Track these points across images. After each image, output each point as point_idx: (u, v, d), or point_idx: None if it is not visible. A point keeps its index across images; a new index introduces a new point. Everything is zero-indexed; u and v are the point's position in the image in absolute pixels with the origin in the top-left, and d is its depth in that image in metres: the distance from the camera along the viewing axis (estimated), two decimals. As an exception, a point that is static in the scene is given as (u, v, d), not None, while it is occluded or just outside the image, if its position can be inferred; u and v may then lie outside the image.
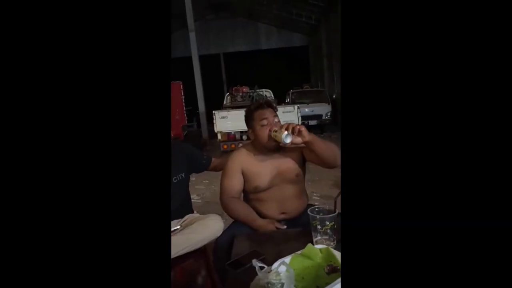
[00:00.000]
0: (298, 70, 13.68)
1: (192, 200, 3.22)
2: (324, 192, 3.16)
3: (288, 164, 1.19)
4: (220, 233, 1.14)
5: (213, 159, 1.45)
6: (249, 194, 1.22)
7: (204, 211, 2.81)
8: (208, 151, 6.22)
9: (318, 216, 0.87)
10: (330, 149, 1.08)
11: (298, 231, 1.03)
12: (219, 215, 1.21)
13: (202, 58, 8.18)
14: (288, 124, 1.02)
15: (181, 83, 7.06)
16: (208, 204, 3.00)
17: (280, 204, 1.19)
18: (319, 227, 0.87)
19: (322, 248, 0.81)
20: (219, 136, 4.71)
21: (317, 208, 0.91)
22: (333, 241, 0.87)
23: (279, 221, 1.19)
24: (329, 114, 7.41)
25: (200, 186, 3.59)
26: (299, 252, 0.81)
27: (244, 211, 1.16)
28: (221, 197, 1.21)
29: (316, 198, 3.01)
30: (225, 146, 4.72)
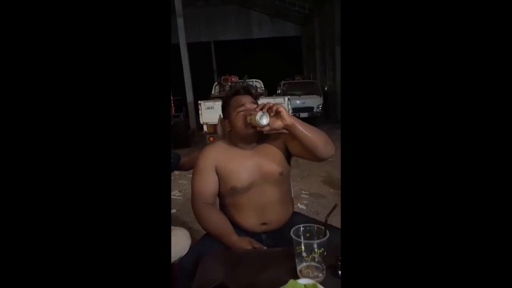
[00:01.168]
0: (290, 61, 13.44)
1: (174, 197, 3.04)
2: (313, 189, 2.99)
3: (270, 160, 1.00)
4: (186, 252, 0.93)
5: (182, 157, 1.24)
6: (225, 197, 1.01)
7: (184, 210, 2.63)
8: (196, 143, 5.99)
9: (303, 241, 0.67)
10: (317, 135, 0.88)
11: (279, 251, 0.84)
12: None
13: (192, 46, 7.86)
14: (264, 104, 0.85)
15: (168, 71, 6.70)
16: (189, 202, 2.79)
17: (260, 212, 0.99)
18: (304, 254, 0.68)
19: (307, 284, 0.62)
20: (205, 128, 4.47)
21: (303, 227, 0.72)
22: (322, 271, 0.68)
23: (259, 233, 1.00)
24: (320, 106, 7.25)
25: (183, 181, 3.37)
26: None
27: (218, 222, 0.96)
28: (192, 202, 1.00)
29: (305, 196, 2.83)
30: (211, 139, 4.49)
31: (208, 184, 0.99)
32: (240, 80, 5.45)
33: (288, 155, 1.03)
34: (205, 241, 0.97)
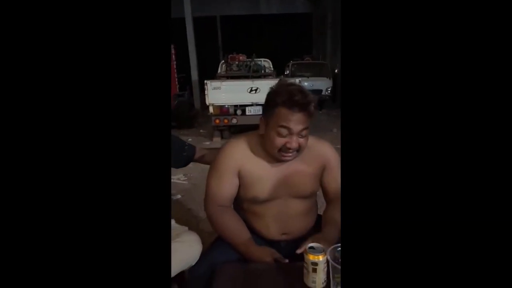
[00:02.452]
0: (300, 40, 12.93)
1: (178, 181, 2.95)
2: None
3: (302, 178, 0.86)
4: (196, 261, 0.83)
5: (197, 149, 1.11)
6: (243, 203, 0.89)
7: (191, 197, 2.53)
8: (200, 123, 5.85)
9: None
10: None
11: (301, 266, 0.73)
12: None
13: (196, 20, 7.50)
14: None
15: (173, 46, 6.43)
16: (195, 188, 2.71)
17: (282, 223, 0.88)
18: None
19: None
20: (210, 109, 4.31)
21: (340, 248, 0.60)
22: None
23: (278, 241, 0.89)
24: (329, 89, 7.00)
25: (189, 165, 3.28)
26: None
27: (235, 229, 0.84)
28: (206, 204, 0.88)
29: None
30: (217, 121, 4.33)
31: (227, 188, 0.86)
32: (248, 59, 5.19)
33: (319, 177, 0.90)
34: (218, 248, 0.87)
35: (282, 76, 5.99)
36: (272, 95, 0.79)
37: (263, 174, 0.84)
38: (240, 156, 0.85)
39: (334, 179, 0.90)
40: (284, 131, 0.77)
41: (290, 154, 0.80)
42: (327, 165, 0.89)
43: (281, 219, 0.87)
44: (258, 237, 0.89)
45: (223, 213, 0.86)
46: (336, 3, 9.20)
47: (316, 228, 0.90)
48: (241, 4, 12.06)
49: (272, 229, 0.88)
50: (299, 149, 0.80)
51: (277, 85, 0.81)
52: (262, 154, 0.85)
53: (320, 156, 0.88)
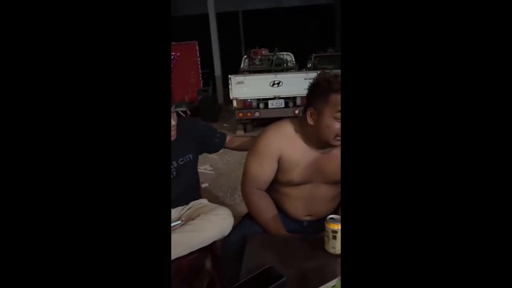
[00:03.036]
0: (322, 32, 12.67)
1: (205, 171, 3.12)
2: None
3: (335, 164, 0.91)
4: (228, 232, 0.95)
5: (228, 137, 1.21)
6: (276, 184, 0.97)
7: (216, 185, 2.69)
8: (223, 117, 6.02)
9: None
10: None
11: (322, 237, 0.82)
12: (230, 204, 1.01)
13: (219, 16, 7.63)
14: None
15: (196, 43, 6.63)
16: (221, 177, 2.86)
17: (309, 205, 0.97)
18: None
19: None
20: (234, 103, 4.44)
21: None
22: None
23: (302, 221, 0.99)
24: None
25: (214, 156, 3.43)
26: (332, 283, 0.61)
27: (269, 214, 0.93)
28: (244, 184, 0.96)
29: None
30: (240, 114, 4.46)
31: (267, 171, 0.92)
32: (270, 53, 5.25)
33: None
34: (248, 221, 0.98)
35: (304, 69, 5.97)
36: (323, 85, 0.85)
37: (300, 160, 0.91)
38: (281, 143, 0.90)
39: None
40: (339, 115, 0.82)
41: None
42: None
43: (309, 202, 0.96)
44: (285, 216, 0.99)
45: (260, 198, 0.94)
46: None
47: (337, 211, 0.98)
48: (263, -2, 12.02)
49: (299, 210, 0.97)
50: None
51: (323, 77, 0.86)
52: (302, 140, 0.91)
53: None
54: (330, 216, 0.76)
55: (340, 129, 0.83)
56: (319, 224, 0.97)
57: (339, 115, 0.83)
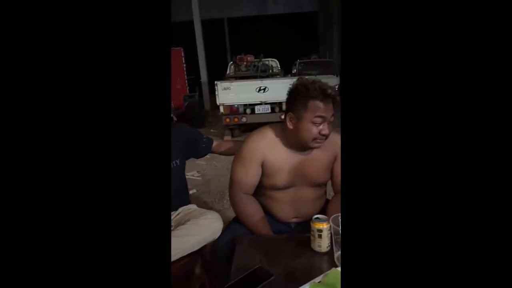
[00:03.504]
0: (306, 39, 12.96)
1: (192, 177, 3.11)
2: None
3: (317, 168, 0.97)
4: (219, 235, 0.97)
5: (214, 142, 1.23)
6: (262, 189, 1.01)
7: (204, 191, 2.69)
8: (210, 123, 6.01)
9: None
10: None
11: (309, 237, 0.85)
12: (219, 209, 1.03)
13: (204, 23, 7.67)
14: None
15: (182, 49, 6.63)
16: (209, 182, 2.86)
17: (295, 207, 1.01)
18: (343, 243, 0.69)
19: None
20: (221, 109, 4.46)
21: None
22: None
23: (289, 223, 1.02)
24: (337, 87, 7.02)
25: (201, 162, 3.43)
26: (318, 279, 0.64)
27: (256, 217, 0.96)
28: (231, 190, 0.99)
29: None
30: (227, 120, 4.48)
31: (252, 176, 0.96)
32: (255, 60, 5.32)
33: (331, 166, 1.00)
34: (236, 224, 1.00)
35: (289, 75, 6.08)
36: (302, 91, 0.89)
37: (283, 165, 0.95)
38: (264, 148, 0.94)
39: None
40: (319, 120, 0.88)
41: (322, 141, 0.91)
42: (338, 154, 0.98)
43: (295, 205, 0.99)
44: (272, 218, 1.02)
45: (247, 202, 0.97)
46: (341, 1, 9.20)
47: (323, 213, 1.01)
48: (248, 6, 12.17)
49: (286, 213, 1.01)
50: (327, 136, 0.91)
51: (302, 83, 0.90)
52: (284, 145, 0.95)
53: (333, 144, 0.97)
54: (316, 216, 0.80)
55: (317, 133, 0.89)
56: (306, 225, 1.01)
57: (317, 120, 0.88)
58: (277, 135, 0.96)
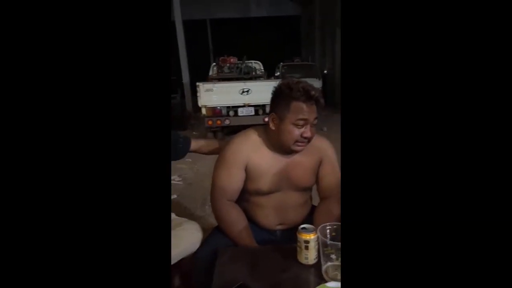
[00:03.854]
0: (289, 42, 13.09)
1: (173, 182, 2.99)
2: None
3: (302, 172, 0.93)
4: (198, 246, 0.90)
5: (192, 141, 1.15)
6: (246, 194, 0.95)
7: (186, 196, 2.59)
8: (193, 125, 5.88)
9: (339, 244, 0.63)
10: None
11: (295, 247, 0.80)
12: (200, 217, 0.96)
13: (186, 23, 7.54)
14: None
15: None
16: (190, 187, 2.76)
17: (280, 213, 0.95)
18: (333, 256, 0.65)
19: (337, 288, 0.60)
20: (203, 111, 4.36)
21: (329, 226, 0.68)
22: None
23: (274, 230, 0.97)
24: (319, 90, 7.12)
25: (182, 165, 3.32)
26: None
27: (239, 226, 0.89)
28: (213, 196, 0.92)
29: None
30: (210, 122, 4.39)
31: (236, 181, 0.90)
32: (239, 61, 5.27)
33: (316, 170, 0.96)
34: (218, 234, 0.93)
35: (272, 77, 6.08)
36: (285, 92, 0.85)
37: (267, 168, 0.90)
38: (248, 151, 0.89)
39: (329, 173, 0.95)
40: (301, 122, 0.84)
41: (304, 144, 0.87)
42: (323, 158, 0.95)
43: (280, 211, 0.94)
44: (256, 226, 0.97)
45: (230, 210, 0.91)
46: (323, 6, 9.38)
47: (309, 219, 0.97)
48: (231, 8, 12.13)
49: (271, 219, 0.95)
50: (310, 139, 0.87)
51: (286, 83, 0.86)
52: (268, 148, 0.91)
53: (317, 149, 0.94)
54: (302, 226, 0.75)
55: (299, 136, 0.85)
56: (292, 232, 0.96)
57: (298, 121, 0.84)
58: (261, 138, 0.92)
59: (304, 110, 0.84)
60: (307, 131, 0.85)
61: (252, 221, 0.96)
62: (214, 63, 5.65)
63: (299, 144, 0.86)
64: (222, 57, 5.32)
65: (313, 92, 0.84)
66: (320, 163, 0.95)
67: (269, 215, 0.95)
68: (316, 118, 0.87)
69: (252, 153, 0.90)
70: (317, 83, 7.44)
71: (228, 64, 5.24)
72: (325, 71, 8.98)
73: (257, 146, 0.91)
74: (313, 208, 1.02)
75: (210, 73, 5.63)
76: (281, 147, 0.89)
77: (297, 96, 0.83)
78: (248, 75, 5.06)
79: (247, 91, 4.30)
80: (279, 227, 0.97)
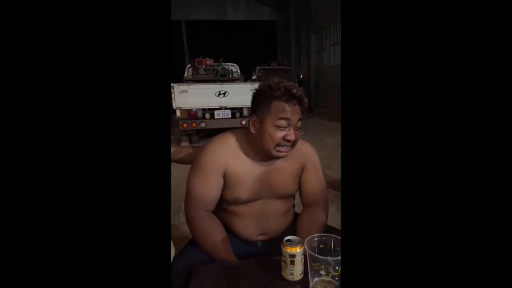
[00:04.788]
0: (266, 46, 13.21)
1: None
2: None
3: (283, 179, 0.86)
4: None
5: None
6: (224, 204, 0.87)
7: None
8: (166, 128, 5.65)
9: (329, 259, 0.57)
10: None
11: (278, 260, 0.73)
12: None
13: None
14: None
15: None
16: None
17: (261, 223, 0.87)
18: (322, 272, 0.58)
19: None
20: (178, 113, 4.19)
21: (317, 238, 0.62)
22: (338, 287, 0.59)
23: (255, 241, 0.89)
24: (295, 94, 7.20)
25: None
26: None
27: (216, 238, 0.80)
28: (187, 206, 0.82)
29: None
30: (185, 125, 4.23)
31: (213, 189, 0.81)
32: (215, 64, 5.16)
33: (299, 176, 0.90)
34: (193, 249, 0.84)
35: (249, 81, 6.04)
36: (266, 91, 0.79)
37: (247, 175, 0.82)
38: (226, 157, 0.82)
39: (313, 179, 0.89)
40: (283, 123, 0.77)
41: (287, 149, 0.80)
42: (306, 164, 0.89)
43: (261, 220, 0.86)
44: (236, 238, 0.88)
45: (207, 222, 0.81)
46: (298, 13, 9.57)
47: (292, 228, 0.90)
48: (207, 10, 12.01)
49: (251, 230, 0.87)
50: (294, 143, 0.80)
51: (266, 83, 0.81)
52: (247, 153, 0.84)
53: (300, 154, 0.88)
54: (287, 238, 0.68)
55: (282, 138, 0.78)
56: (273, 244, 0.88)
57: (280, 122, 0.77)
58: (239, 142, 0.84)
59: (286, 109, 0.77)
60: (290, 134, 0.78)
61: (231, 232, 0.87)
62: (190, 65, 5.50)
63: (282, 149, 0.79)
64: (197, 58, 5.18)
65: (295, 91, 0.77)
66: (303, 169, 0.89)
67: (250, 225, 0.87)
68: (300, 120, 0.80)
69: (230, 158, 0.82)
70: (293, 87, 7.51)
71: (204, 66, 5.11)
72: (301, 76, 9.13)
73: (235, 151, 0.83)
74: (296, 216, 0.96)
75: (186, 74, 5.47)
76: (262, 152, 0.82)
77: (278, 95, 0.77)
78: (225, 77, 4.97)
79: (224, 93, 4.21)
80: (260, 237, 0.89)
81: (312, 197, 0.90)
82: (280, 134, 0.78)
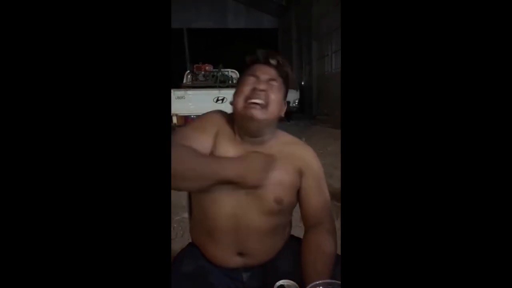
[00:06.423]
0: (267, 54, 13.22)
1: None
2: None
3: (272, 183, 0.67)
4: None
5: None
6: (196, 210, 0.73)
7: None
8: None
9: None
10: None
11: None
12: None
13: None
14: None
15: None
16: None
17: (237, 238, 0.68)
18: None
19: None
20: (174, 120, 4.06)
21: (321, 287, 0.44)
22: None
23: (237, 269, 0.71)
24: (297, 101, 7.09)
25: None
26: None
27: (195, 154, 0.62)
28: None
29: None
30: (181, 132, 4.10)
31: (202, 145, 0.67)
32: (214, 70, 5.07)
33: (295, 186, 0.71)
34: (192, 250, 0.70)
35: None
36: (245, 64, 0.74)
37: (227, 154, 0.68)
38: (219, 123, 0.72)
39: (313, 191, 0.71)
40: (251, 79, 0.69)
41: (259, 102, 0.65)
42: (305, 171, 0.71)
43: (237, 234, 0.68)
44: (213, 266, 0.71)
45: (181, 146, 0.62)
46: (299, 20, 9.56)
47: (287, 254, 0.72)
48: (209, 18, 12.08)
49: (226, 248, 0.69)
50: (268, 102, 0.67)
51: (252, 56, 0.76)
52: (229, 132, 0.71)
53: (296, 157, 0.71)
54: (280, 283, 0.50)
55: (250, 90, 0.66)
56: (263, 274, 0.71)
57: (248, 78, 0.69)
58: (226, 118, 0.74)
59: (253, 69, 0.70)
60: (259, 84, 0.67)
61: (205, 257, 0.72)
62: (188, 71, 5.42)
63: (252, 101, 0.65)
64: (196, 64, 5.09)
65: (259, 53, 0.72)
66: (300, 177, 0.71)
67: (224, 241, 0.68)
68: (272, 79, 0.69)
69: (221, 126, 0.72)
70: (295, 94, 7.40)
71: (203, 72, 5.02)
72: (302, 83, 9.04)
73: (223, 130, 0.71)
74: (293, 240, 0.77)
75: (184, 80, 5.37)
76: (241, 127, 0.68)
77: (253, 60, 0.72)
78: (224, 84, 4.87)
79: (222, 100, 4.08)
80: (241, 260, 0.70)
81: (313, 215, 0.71)
82: (248, 87, 0.67)
